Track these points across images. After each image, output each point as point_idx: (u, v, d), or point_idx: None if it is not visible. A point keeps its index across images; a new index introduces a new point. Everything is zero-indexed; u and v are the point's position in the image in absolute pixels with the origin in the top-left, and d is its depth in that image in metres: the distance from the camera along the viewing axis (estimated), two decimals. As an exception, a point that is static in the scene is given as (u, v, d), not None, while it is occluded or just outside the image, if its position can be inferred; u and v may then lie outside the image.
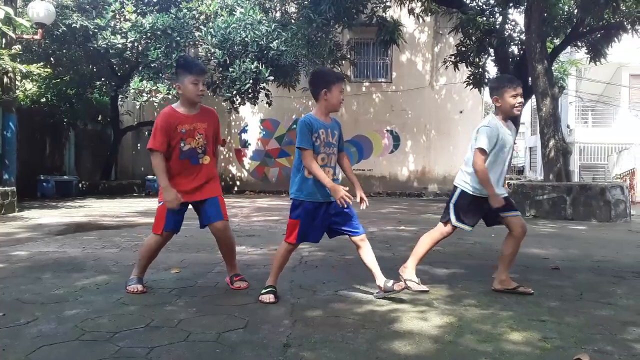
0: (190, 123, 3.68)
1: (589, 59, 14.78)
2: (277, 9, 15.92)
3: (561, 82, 19.17)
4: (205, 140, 3.72)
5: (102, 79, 16.39)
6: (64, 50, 14.77)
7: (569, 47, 15.18)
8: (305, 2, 13.64)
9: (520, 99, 3.74)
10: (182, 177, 3.68)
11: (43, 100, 15.38)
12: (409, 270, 3.89)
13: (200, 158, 3.72)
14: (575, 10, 13.36)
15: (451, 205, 3.84)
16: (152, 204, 12.62)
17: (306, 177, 3.45)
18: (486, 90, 19.01)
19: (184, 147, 3.65)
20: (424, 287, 3.78)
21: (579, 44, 14.82)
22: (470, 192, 3.76)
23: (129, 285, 3.69)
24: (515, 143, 3.88)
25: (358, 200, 3.55)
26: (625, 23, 12.99)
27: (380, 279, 3.52)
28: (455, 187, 3.87)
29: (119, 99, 16.93)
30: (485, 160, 3.67)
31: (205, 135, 3.72)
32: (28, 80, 14.75)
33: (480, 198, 3.75)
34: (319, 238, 3.57)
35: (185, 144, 3.66)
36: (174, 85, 3.99)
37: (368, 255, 3.57)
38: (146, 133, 20.51)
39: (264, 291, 3.47)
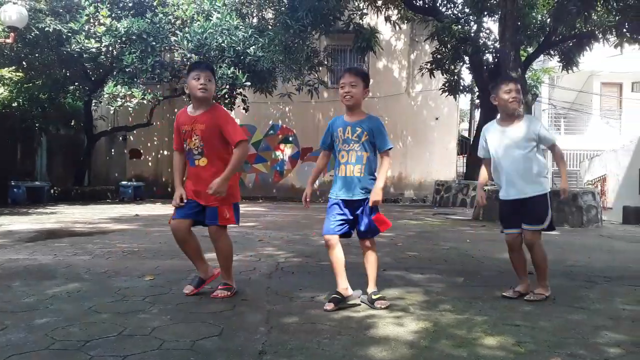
0: (190, 123, 3.69)
1: (561, 67, 15.09)
2: (254, 14, 15.92)
3: (535, 89, 19.52)
4: (202, 142, 3.66)
5: (76, 84, 16.16)
6: (37, 54, 14.54)
7: (542, 55, 15.49)
8: (283, 9, 13.67)
9: (514, 94, 3.78)
10: (189, 177, 3.78)
11: (15, 104, 15.08)
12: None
13: (195, 159, 3.69)
14: (548, 20, 13.64)
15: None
16: (125, 210, 12.45)
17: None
18: (461, 98, 19.26)
19: (186, 148, 3.73)
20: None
21: (552, 52, 15.13)
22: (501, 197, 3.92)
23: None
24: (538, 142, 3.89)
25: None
26: (596, 32, 13.30)
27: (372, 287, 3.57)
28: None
29: (93, 104, 16.69)
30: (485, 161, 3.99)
31: (202, 137, 3.66)
32: (-1, 84, 14.49)
33: (511, 201, 3.85)
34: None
35: (187, 145, 3.72)
36: (185, 88, 4.01)
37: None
38: (120, 138, 20.29)
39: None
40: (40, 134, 16.23)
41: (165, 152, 20.28)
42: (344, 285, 3.49)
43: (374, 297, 3.49)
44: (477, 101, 19.18)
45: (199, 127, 3.66)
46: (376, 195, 3.43)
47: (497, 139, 3.88)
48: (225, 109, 3.99)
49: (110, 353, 2.55)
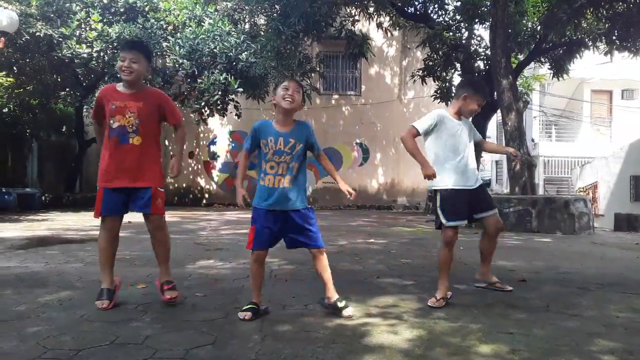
0: (122, 100, 3.64)
1: (552, 74, 15.19)
2: (247, 20, 15.93)
3: (525, 96, 19.61)
4: (137, 120, 3.63)
5: (67, 89, 16.08)
6: (28, 60, 14.46)
7: (532, 62, 15.58)
8: (275, 15, 13.68)
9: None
10: (113, 158, 3.63)
11: (5, 110, 15.00)
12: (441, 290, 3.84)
13: (130, 137, 3.62)
14: (539, 27, 13.74)
15: (438, 210, 3.89)
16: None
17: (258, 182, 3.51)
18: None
19: (113, 124, 3.62)
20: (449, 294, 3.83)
21: (543, 59, 15.23)
22: (450, 187, 3.87)
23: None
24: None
25: (347, 194, 3.54)
26: (586, 40, 13.41)
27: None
28: (436, 192, 3.92)
29: (84, 110, 16.56)
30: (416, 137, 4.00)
31: (138, 114, 3.63)
32: (-10, 90, 14.41)
33: (462, 191, 3.87)
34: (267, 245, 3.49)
35: (114, 121, 3.62)
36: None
37: (320, 266, 3.53)
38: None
39: (243, 308, 3.40)
40: (31, 140, 16.14)
41: (157, 158, 20.26)
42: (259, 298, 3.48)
43: (339, 303, 3.44)
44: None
45: (136, 104, 3.64)
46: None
47: (453, 127, 4.02)
48: (158, 89, 3.97)
49: (102, 362, 2.53)
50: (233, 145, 19.54)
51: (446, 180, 3.90)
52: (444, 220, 3.85)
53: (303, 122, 3.59)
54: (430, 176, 3.77)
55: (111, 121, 3.62)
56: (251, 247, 3.45)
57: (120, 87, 3.73)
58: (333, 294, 3.47)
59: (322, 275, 3.51)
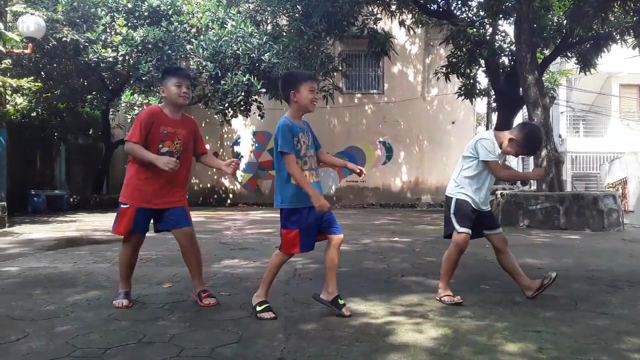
0: (174, 126, 3.70)
1: (578, 69, 14.93)
2: (269, 21, 15.98)
3: (552, 92, 19.34)
4: (182, 147, 3.72)
5: (93, 93, 16.33)
6: (55, 64, 14.73)
7: (559, 57, 15.35)
8: (297, 15, 13.71)
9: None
10: (155, 181, 3.65)
11: (33, 114, 15.28)
12: (441, 290, 3.85)
13: None
14: (565, 21, 13.50)
15: (452, 216, 3.87)
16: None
17: (287, 183, 3.36)
18: (478, 101, 19.14)
19: (161, 149, 3.64)
20: (457, 299, 3.77)
21: (569, 54, 14.97)
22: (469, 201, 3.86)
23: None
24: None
25: (358, 171, 3.60)
26: (614, 33, 13.15)
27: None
28: (450, 198, 3.90)
29: (110, 113, 16.86)
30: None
31: (183, 142, 3.72)
32: (18, 95, 14.65)
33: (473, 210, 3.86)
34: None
35: (163, 146, 3.65)
36: (159, 89, 3.97)
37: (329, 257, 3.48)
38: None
39: (260, 308, 3.37)
40: (59, 143, 16.40)
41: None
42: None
43: (339, 300, 3.43)
44: (494, 104, 19.03)
45: (182, 132, 3.72)
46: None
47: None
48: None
49: (130, 361, 2.57)
50: (256, 145, 19.63)
51: (466, 196, 3.91)
52: (456, 226, 3.87)
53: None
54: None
55: (160, 145, 3.64)
56: (298, 251, 3.42)
57: (167, 111, 3.74)
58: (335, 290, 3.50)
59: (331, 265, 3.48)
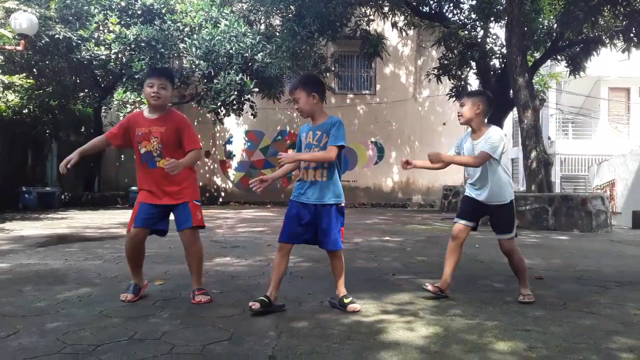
0: (147, 126, 3.74)
1: (568, 72, 15.03)
2: (262, 21, 15.97)
3: (542, 94, 19.44)
4: (160, 144, 3.72)
5: (86, 90, 16.26)
6: (47, 62, 14.63)
7: (549, 60, 15.42)
8: (290, 15, 13.72)
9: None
10: (147, 180, 3.78)
11: (25, 111, 15.19)
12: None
13: (157, 162, 3.72)
14: (555, 25, 13.60)
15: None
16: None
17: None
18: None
19: (141, 150, 3.75)
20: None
21: (559, 57, 15.07)
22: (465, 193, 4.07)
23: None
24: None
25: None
26: (603, 37, 13.25)
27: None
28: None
29: (103, 111, 16.78)
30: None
31: (162, 140, 3.72)
32: (10, 91, 14.55)
33: (470, 198, 4.00)
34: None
35: (141, 147, 3.74)
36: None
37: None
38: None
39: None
40: (51, 140, 16.31)
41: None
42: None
43: (345, 300, 3.51)
44: (485, 106, 19.10)
45: (158, 130, 3.73)
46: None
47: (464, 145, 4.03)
48: (181, 113, 3.99)
49: (121, 357, 2.57)
50: (249, 144, 19.60)
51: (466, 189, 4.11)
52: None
53: None
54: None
55: (139, 147, 3.74)
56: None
57: (146, 112, 3.83)
58: (342, 289, 3.59)
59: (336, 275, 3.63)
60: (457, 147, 4.07)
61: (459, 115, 3.98)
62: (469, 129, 4.01)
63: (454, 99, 16.00)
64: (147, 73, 4.06)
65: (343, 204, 3.58)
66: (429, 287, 3.86)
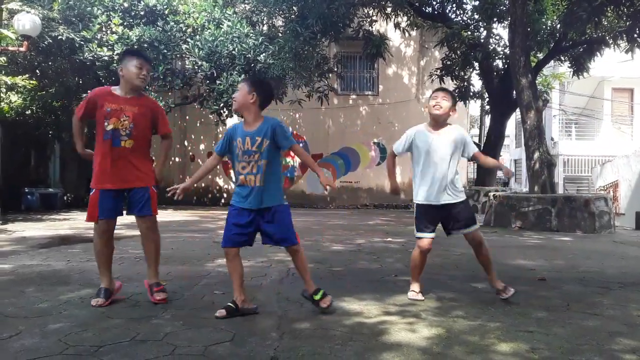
0: (119, 104, 3.70)
1: (572, 72, 15.00)
2: (265, 22, 15.97)
3: (545, 95, 19.42)
4: (131, 124, 3.69)
5: (88, 91, 16.27)
6: (50, 63, 14.66)
7: (552, 61, 15.40)
8: (292, 16, 13.71)
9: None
10: (106, 160, 3.69)
11: (28, 112, 15.22)
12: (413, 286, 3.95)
13: (122, 140, 3.69)
14: (558, 25, 13.58)
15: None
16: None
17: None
18: (471, 103, 19.21)
19: (107, 127, 3.68)
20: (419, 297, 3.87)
21: (562, 58, 15.05)
22: (417, 202, 3.97)
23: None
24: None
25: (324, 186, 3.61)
26: (607, 38, 13.22)
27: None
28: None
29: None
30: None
31: (133, 119, 3.70)
32: (13, 92, 14.60)
33: (428, 206, 3.90)
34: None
35: (108, 124, 3.68)
36: (119, 69, 3.89)
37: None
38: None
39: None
40: (54, 141, 16.34)
41: (177, 159, 20.39)
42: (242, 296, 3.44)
43: (315, 297, 3.48)
44: (488, 107, 19.11)
45: (131, 110, 3.71)
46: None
47: (425, 142, 3.97)
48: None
49: (123, 358, 2.57)
50: (251, 145, 19.61)
51: (417, 195, 3.98)
52: (415, 231, 3.98)
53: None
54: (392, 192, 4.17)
55: (105, 124, 3.67)
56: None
57: (116, 90, 3.78)
58: (311, 287, 3.52)
59: (301, 273, 3.57)
60: (419, 142, 3.99)
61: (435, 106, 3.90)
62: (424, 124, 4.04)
63: (457, 99, 15.98)
64: (128, 52, 4.02)
65: (286, 203, 3.56)
66: (419, 297, 3.89)
